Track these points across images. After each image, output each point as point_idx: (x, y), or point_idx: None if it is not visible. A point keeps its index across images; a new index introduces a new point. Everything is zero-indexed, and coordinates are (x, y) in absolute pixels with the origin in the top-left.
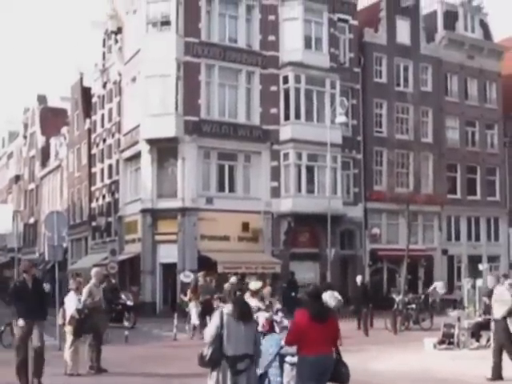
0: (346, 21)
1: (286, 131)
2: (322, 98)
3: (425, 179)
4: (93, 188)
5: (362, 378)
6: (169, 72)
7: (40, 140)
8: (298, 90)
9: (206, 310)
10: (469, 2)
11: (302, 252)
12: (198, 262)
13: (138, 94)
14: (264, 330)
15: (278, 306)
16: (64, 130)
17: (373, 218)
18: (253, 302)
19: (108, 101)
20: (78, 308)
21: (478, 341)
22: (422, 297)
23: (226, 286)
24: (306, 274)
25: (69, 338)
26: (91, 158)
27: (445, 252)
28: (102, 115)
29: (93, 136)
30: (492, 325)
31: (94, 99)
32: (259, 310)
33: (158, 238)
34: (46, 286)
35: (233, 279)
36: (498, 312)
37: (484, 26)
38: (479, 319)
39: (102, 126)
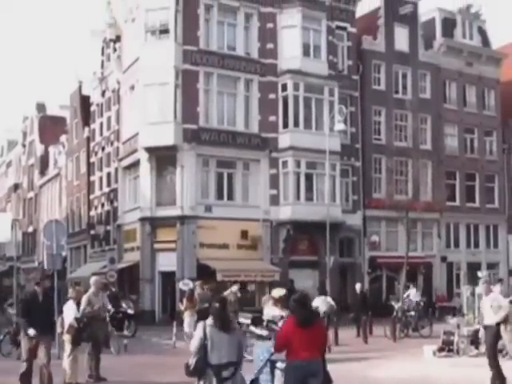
0: (344, 28)
1: (284, 139)
2: (320, 106)
3: (424, 186)
4: (92, 196)
5: None
6: (167, 80)
7: (39, 148)
8: (296, 98)
9: (203, 319)
10: (467, 9)
11: (301, 260)
12: (197, 270)
13: (137, 102)
14: None
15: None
16: (63, 138)
17: (372, 226)
18: (276, 311)
19: (107, 109)
20: (77, 317)
21: (477, 348)
22: (422, 304)
23: (226, 293)
24: (305, 281)
25: (67, 346)
26: (90, 166)
27: (444, 259)
28: (101, 123)
29: (91, 144)
30: (482, 332)
31: (93, 107)
32: (282, 318)
33: (156, 246)
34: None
35: (234, 288)
36: (491, 318)
37: (482, 33)
38: (478, 326)
39: (101, 134)
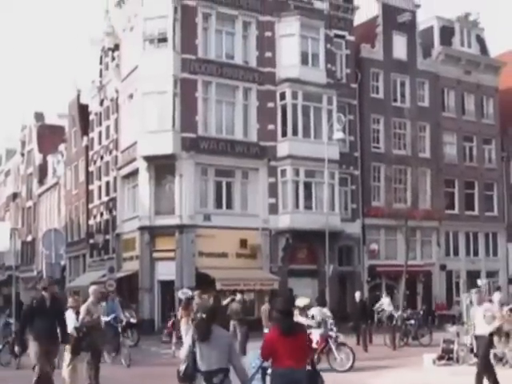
0: (342, 37)
1: (283, 147)
2: (319, 114)
3: (423, 195)
4: (90, 205)
5: None
6: (166, 89)
7: (37, 157)
8: (295, 107)
9: None
10: (465, 17)
11: (301, 268)
12: (196, 279)
13: (135, 110)
14: (319, 346)
15: (331, 321)
16: (61, 147)
17: (371, 234)
18: (301, 320)
19: (105, 118)
20: (76, 326)
21: (477, 356)
22: (421, 312)
23: (233, 307)
24: (304, 290)
25: (67, 356)
26: (89, 175)
27: (443, 267)
28: (100, 132)
29: (90, 153)
30: (474, 342)
31: (92, 116)
32: (308, 327)
33: (155, 255)
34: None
35: (237, 297)
36: (483, 328)
37: (480, 41)
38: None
39: (100, 143)
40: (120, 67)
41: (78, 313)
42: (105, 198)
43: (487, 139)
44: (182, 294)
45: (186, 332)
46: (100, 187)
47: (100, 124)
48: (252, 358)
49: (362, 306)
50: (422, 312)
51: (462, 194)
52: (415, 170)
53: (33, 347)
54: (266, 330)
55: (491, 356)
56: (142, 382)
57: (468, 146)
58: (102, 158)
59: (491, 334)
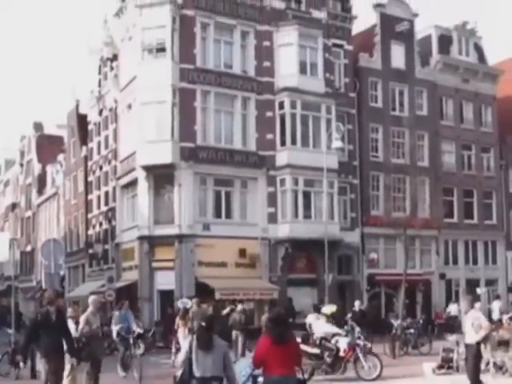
0: (340, 46)
1: (282, 157)
2: (317, 124)
3: (421, 203)
4: (89, 215)
5: None
6: (164, 98)
7: (36, 167)
8: (293, 116)
9: None
10: (463, 25)
11: (300, 278)
12: (196, 289)
13: (134, 120)
14: (346, 355)
15: (358, 329)
16: (60, 157)
17: (370, 243)
18: (327, 328)
19: (104, 128)
20: (76, 336)
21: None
22: (421, 321)
23: (236, 317)
24: (303, 299)
25: (67, 366)
26: (88, 185)
27: (442, 276)
28: (99, 142)
29: (89, 163)
30: (464, 350)
31: (91, 126)
32: (335, 335)
33: (155, 264)
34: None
35: (238, 307)
36: (472, 337)
37: (478, 50)
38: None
39: (99, 153)
40: (119, 77)
41: (77, 323)
42: (104, 208)
43: (486, 147)
44: (181, 303)
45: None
46: (99, 197)
47: (99, 134)
48: (242, 366)
49: (361, 315)
50: (421, 321)
51: (460, 203)
52: (414, 179)
53: (42, 365)
54: None
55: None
56: None
57: (466, 155)
58: (101, 167)
59: (478, 343)
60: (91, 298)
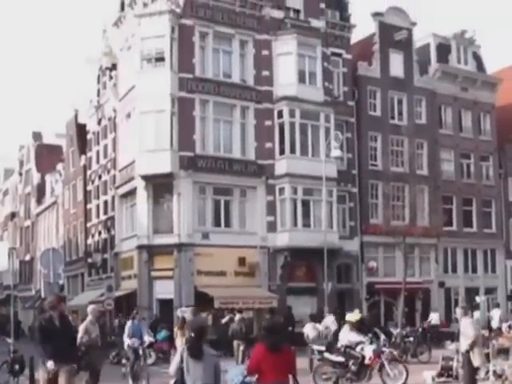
0: (339, 55)
1: (281, 166)
2: (316, 132)
3: (420, 212)
4: (88, 224)
5: None
6: (163, 108)
7: (35, 177)
8: (292, 125)
9: None
10: (461, 34)
11: (299, 286)
12: (195, 298)
13: (133, 130)
14: (371, 363)
15: (383, 336)
16: (59, 166)
17: (369, 252)
18: (352, 336)
19: (103, 137)
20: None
21: (476, 373)
22: (420, 330)
23: (235, 325)
24: (303, 308)
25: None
26: (87, 194)
27: (442, 284)
28: (98, 151)
29: (88, 172)
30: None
31: (89, 136)
32: (359, 344)
33: (154, 274)
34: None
35: (237, 316)
36: (463, 345)
37: (477, 58)
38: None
39: (98, 162)
40: (118, 86)
41: (76, 332)
42: (103, 217)
43: (485, 156)
44: (180, 312)
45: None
46: (98, 206)
47: (98, 143)
48: (234, 374)
49: (361, 323)
50: (420, 329)
51: (459, 211)
52: (413, 187)
53: (41, 373)
54: None
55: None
56: None
57: (465, 163)
58: (100, 177)
59: (468, 351)
60: (90, 308)
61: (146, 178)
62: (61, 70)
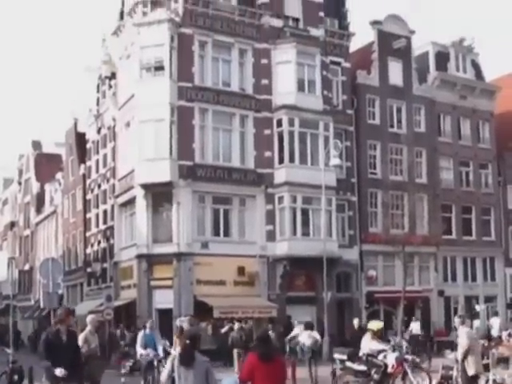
0: (338, 63)
1: (280, 174)
2: (315, 141)
3: (420, 220)
4: (88, 234)
5: None
6: (163, 117)
7: (35, 186)
8: (291, 133)
9: None
10: (460, 42)
11: (299, 295)
12: (194, 307)
13: (133, 138)
14: (394, 371)
15: (405, 344)
16: (59, 175)
17: (369, 260)
18: (374, 344)
19: (102, 146)
20: None
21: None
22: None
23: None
24: (302, 317)
25: None
26: (86, 203)
27: (441, 293)
28: (97, 160)
29: (88, 181)
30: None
31: (89, 145)
32: (380, 352)
33: (153, 283)
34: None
35: (235, 326)
36: (458, 354)
37: (476, 66)
38: None
39: (97, 171)
40: (117, 95)
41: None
42: (102, 227)
43: (484, 164)
44: (179, 321)
45: None
46: (97, 215)
47: (97, 152)
48: (226, 382)
49: (360, 332)
50: (420, 338)
51: (459, 219)
52: (412, 196)
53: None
54: None
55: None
56: None
57: (464, 171)
58: (99, 186)
59: (463, 360)
60: (90, 317)
61: (145, 186)
62: (60, 79)
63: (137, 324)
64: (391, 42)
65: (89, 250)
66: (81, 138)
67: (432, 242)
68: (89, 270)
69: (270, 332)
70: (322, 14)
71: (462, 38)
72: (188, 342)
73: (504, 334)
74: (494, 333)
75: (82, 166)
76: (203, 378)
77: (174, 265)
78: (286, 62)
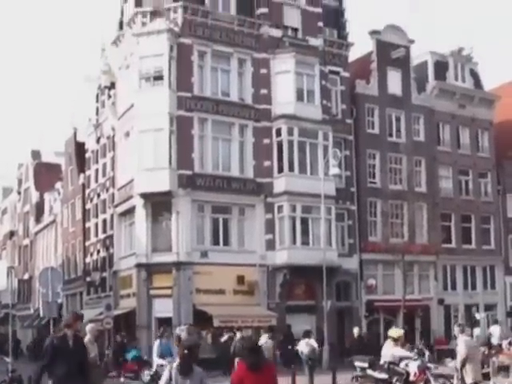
0: (337, 73)
1: (279, 184)
2: (315, 150)
3: (419, 229)
4: (87, 243)
5: None
6: (162, 126)
7: (34, 195)
8: (291, 143)
9: None
10: (459, 51)
11: (298, 304)
12: (194, 316)
13: (132, 148)
14: (416, 379)
15: (428, 352)
16: (58, 185)
17: (368, 269)
18: (395, 350)
19: (102, 156)
20: None
21: None
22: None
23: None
24: (302, 326)
25: None
26: (85, 212)
27: (441, 302)
28: (96, 170)
29: (87, 191)
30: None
31: (88, 154)
32: (403, 359)
33: (153, 292)
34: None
35: (238, 335)
36: (457, 362)
37: (474, 75)
38: None
39: (96, 180)
40: (116, 105)
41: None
42: (101, 236)
43: (483, 173)
44: (179, 330)
45: None
46: (97, 225)
47: (97, 162)
48: None
49: (360, 341)
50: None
51: (458, 228)
52: (411, 205)
53: None
54: None
55: None
56: None
57: (464, 180)
58: (98, 195)
59: (461, 369)
60: (89, 326)
61: (144, 196)
62: (60, 89)
63: (136, 333)
64: (390, 51)
65: (88, 259)
66: (80, 148)
67: (432, 251)
68: (88, 279)
69: (270, 340)
70: (321, 23)
71: (461, 47)
72: (186, 352)
73: (504, 343)
74: (495, 341)
75: (82, 175)
76: None
77: (173, 274)
78: (285, 72)
